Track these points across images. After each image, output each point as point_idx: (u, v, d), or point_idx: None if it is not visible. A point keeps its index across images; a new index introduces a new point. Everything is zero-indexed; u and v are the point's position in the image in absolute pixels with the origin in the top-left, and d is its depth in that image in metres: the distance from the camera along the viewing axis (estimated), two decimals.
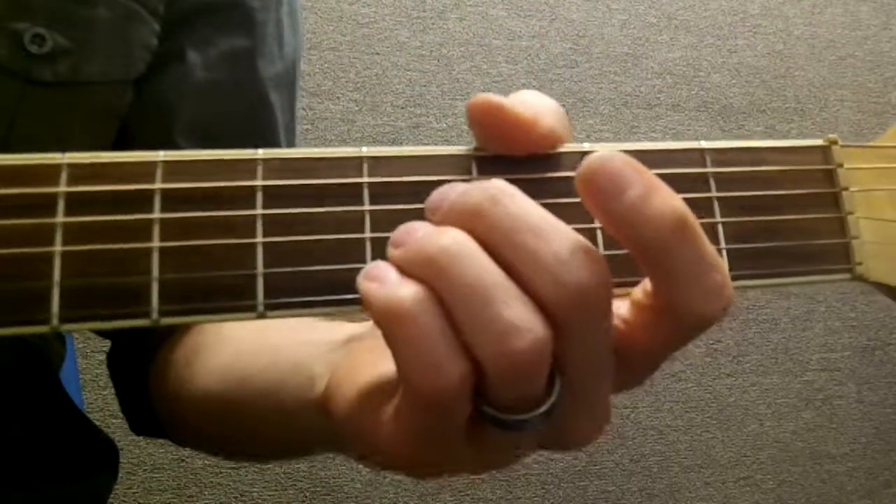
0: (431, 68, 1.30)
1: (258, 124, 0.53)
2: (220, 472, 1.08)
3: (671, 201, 0.25)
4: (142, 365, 0.50)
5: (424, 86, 1.29)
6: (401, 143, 1.26)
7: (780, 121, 1.44)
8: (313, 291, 0.27)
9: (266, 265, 0.27)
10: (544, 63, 1.36)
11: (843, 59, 1.54)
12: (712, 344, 1.33)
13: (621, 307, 0.28)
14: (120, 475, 0.55)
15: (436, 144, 1.43)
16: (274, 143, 0.54)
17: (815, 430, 1.36)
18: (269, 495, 1.09)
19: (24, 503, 0.46)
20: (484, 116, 0.29)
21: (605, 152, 0.25)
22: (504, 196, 0.26)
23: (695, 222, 0.25)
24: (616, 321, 0.27)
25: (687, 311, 0.26)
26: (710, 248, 0.26)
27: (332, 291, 0.27)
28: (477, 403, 0.26)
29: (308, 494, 1.11)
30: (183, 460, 1.06)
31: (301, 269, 0.27)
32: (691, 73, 1.42)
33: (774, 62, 1.49)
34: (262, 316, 0.27)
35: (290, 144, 0.56)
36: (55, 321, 0.25)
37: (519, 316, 0.24)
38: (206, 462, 1.07)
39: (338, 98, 1.25)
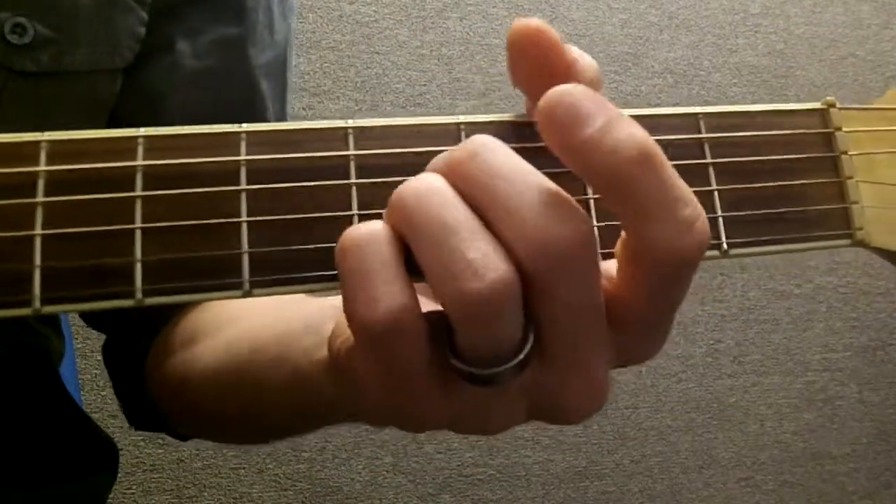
0: (431, 68, 1.30)
1: (250, 115, 0.52)
2: (220, 473, 1.08)
3: (632, 131, 0.24)
4: (139, 354, 0.50)
5: (424, 85, 1.29)
6: None
7: None
8: (301, 268, 0.27)
9: (251, 243, 0.26)
10: None
11: (844, 59, 1.54)
12: (713, 344, 1.33)
13: (611, 268, 0.27)
14: (119, 475, 0.55)
15: None
16: None
17: (817, 430, 1.36)
18: (269, 496, 1.09)
19: (23, 503, 0.46)
20: (527, 39, 0.28)
21: (567, 85, 0.25)
22: (483, 148, 0.25)
23: (660, 154, 0.24)
24: (604, 281, 0.27)
25: (659, 249, 0.25)
26: (679, 181, 0.25)
27: (320, 268, 0.27)
28: (446, 355, 0.25)
29: (308, 495, 1.11)
30: (182, 461, 1.06)
31: (288, 248, 0.27)
32: (692, 73, 1.42)
33: (775, 61, 1.48)
34: (248, 294, 0.26)
35: None
36: (37, 303, 0.25)
37: (480, 255, 0.24)
38: (205, 463, 1.07)
39: (338, 98, 1.25)
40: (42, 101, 0.44)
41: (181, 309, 0.48)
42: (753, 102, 1.46)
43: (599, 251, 0.28)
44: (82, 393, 1.01)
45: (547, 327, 0.26)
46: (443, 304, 0.25)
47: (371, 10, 1.29)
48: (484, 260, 0.24)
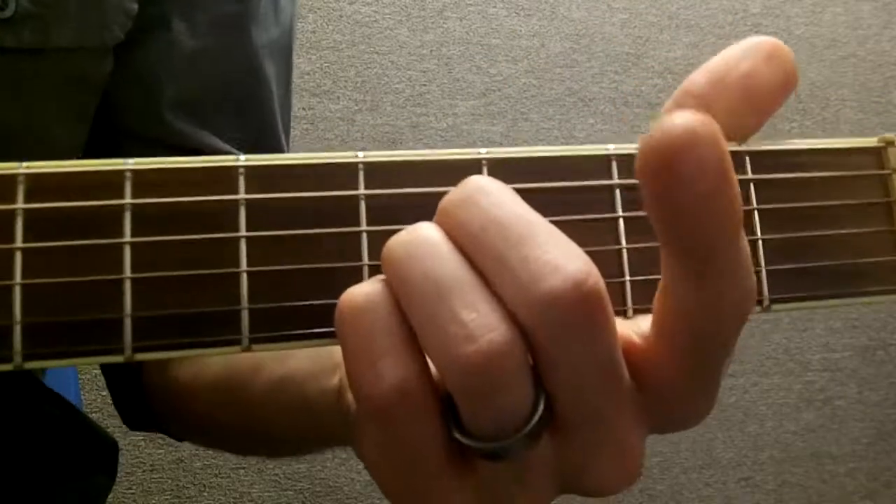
0: (431, 68, 1.30)
1: (252, 97, 0.50)
2: (220, 474, 1.08)
3: (738, 197, 0.21)
4: None
5: (424, 85, 1.29)
6: (401, 143, 1.25)
7: (781, 120, 1.44)
8: (306, 323, 0.24)
9: (251, 297, 0.24)
10: (544, 62, 1.36)
11: (845, 59, 1.53)
12: None
13: (643, 324, 0.24)
14: (118, 476, 0.55)
15: (436, 144, 1.42)
16: (269, 119, 0.51)
17: (816, 430, 1.36)
18: (269, 496, 1.09)
19: None
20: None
21: (686, 121, 0.20)
22: (477, 191, 0.23)
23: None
24: (636, 339, 0.24)
25: (700, 313, 0.23)
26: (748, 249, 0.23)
27: (328, 323, 0.24)
28: (450, 428, 0.23)
29: (308, 495, 1.11)
30: (182, 461, 1.06)
31: (291, 304, 0.24)
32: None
33: None
34: (247, 349, 0.24)
35: (286, 120, 0.53)
36: (18, 359, 0.23)
37: (474, 315, 0.21)
38: (204, 463, 1.07)
39: (338, 98, 1.25)
40: (25, 80, 0.42)
41: None
42: None
43: (631, 306, 0.26)
44: (82, 393, 1.01)
45: (559, 393, 0.23)
46: (440, 371, 0.22)
47: (371, 10, 1.29)
48: (478, 320, 0.21)
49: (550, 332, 0.22)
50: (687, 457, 1.28)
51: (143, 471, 1.04)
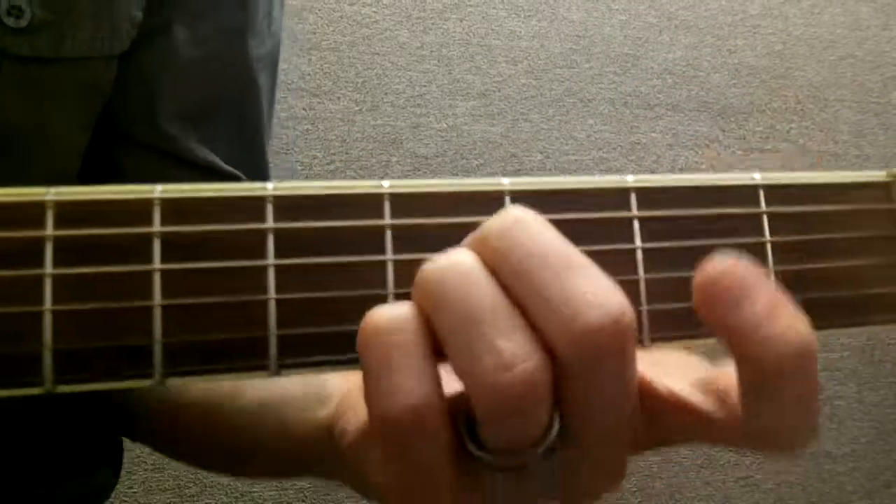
0: (431, 68, 1.30)
1: (245, 107, 0.51)
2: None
3: (798, 323, 0.23)
4: None
5: (424, 86, 1.29)
6: (401, 144, 1.26)
7: (780, 121, 1.44)
8: (331, 350, 0.25)
9: (279, 324, 0.24)
10: (544, 63, 1.36)
11: (843, 60, 1.54)
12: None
13: (657, 356, 0.25)
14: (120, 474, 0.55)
15: (436, 144, 1.41)
16: (258, 127, 0.52)
17: None
18: (269, 495, 1.09)
19: (22, 503, 0.46)
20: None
21: (724, 259, 0.22)
22: (515, 223, 0.23)
23: (814, 354, 0.23)
24: (661, 389, 0.25)
25: (767, 441, 0.24)
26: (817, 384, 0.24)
27: (353, 350, 0.25)
28: (467, 444, 0.24)
29: (308, 494, 1.11)
30: None
31: (318, 330, 0.25)
32: (691, 74, 1.42)
33: (774, 62, 1.48)
34: (275, 374, 0.25)
35: (268, 134, 0.54)
36: (49, 384, 0.23)
37: (510, 344, 0.22)
38: None
39: (338, 98, 1.25)
40: (38, 87, 0.42)
41: None
42: (752, 103, 1.46)
43: (648, 335, 0.27)
44: None
45: (577, 415, 0.24)
46: (469, 395, 0.23)
47: (371, 10, 1.30)
48: (514, 349, 0.22)
49: (584, 363, 0.22)
50: (686, 456, 1.29)
51: (145, 469, 1.05)
